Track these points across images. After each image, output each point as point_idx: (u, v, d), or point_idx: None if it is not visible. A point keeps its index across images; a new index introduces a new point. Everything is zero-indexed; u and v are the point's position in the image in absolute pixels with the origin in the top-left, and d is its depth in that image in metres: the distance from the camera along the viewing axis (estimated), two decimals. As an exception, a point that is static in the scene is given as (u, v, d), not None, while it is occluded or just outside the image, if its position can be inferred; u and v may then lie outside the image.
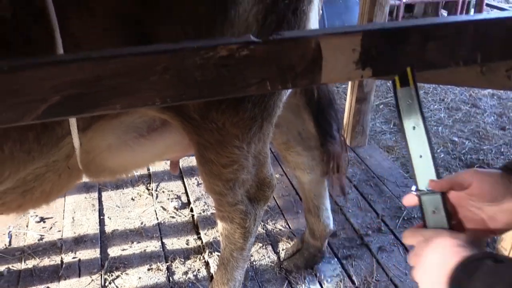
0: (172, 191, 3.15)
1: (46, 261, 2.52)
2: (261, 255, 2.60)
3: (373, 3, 3.16)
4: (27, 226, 2.78)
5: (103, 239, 2.70)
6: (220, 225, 1.96)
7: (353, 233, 2.78)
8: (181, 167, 3.23)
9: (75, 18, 1.28)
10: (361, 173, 3.34)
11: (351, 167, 3.38)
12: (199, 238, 2.72)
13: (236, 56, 1.02)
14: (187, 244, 2.68)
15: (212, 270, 2.45)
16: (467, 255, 0.77)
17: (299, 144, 2.29)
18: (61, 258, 2.54)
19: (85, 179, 1.80)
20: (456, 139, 4.10)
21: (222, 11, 1.36)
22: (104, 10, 1.30)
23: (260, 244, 2.67)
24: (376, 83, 4.38)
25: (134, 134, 1.71)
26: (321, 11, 5.35)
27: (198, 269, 2.50)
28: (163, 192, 3.13)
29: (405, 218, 2.89)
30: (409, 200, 0.98)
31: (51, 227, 2.78)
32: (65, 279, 2.41)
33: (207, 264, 2.53)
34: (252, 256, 2.57)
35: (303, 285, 2.42)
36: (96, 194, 3.07)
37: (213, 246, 2.62)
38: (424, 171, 0.97)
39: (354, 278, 2.46)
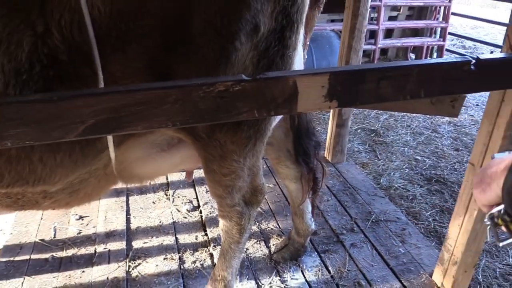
0: (185, 196, 3.16)
1: (82, 251, 2.55)
2: (255, 249, 2.62)
3: (349, 49, 3.21)
4: (68, 222, 2.82)
5: (129, 234, 2.72)
6: (221, 222, 1.97)
7: (330, 232, 2.79)
8: (193, 177, 3.26)
9: (114, 60, 1.32)
10: (339, 184, 3.36)
11: (331, 179, 3.39)
12: (206, 234, 2.74)
13: (231, 90, 1.05)
14: (196, 239, 2.70)
15: (215, 260, 2.46)
16: None
17: (288, 159, 2.30)
18: (95, 248, 2.58)
19: (117, 185, 1.82)
20: (419, 157, 4.12)
21: (226, 56, 1.39)
22: (136, 54, 1.33)
23: (255, 240, 2.69)
24: (353, 112, 4.40)
25: (157, 149, 1.74)
26: (312, 55, 5.37)
27: (204, 259, 2.52)
28: (178, 197, 3.15)
29: (374, 220, 2.91)
30: None
31: (87, 224, 2.81)
32: (97, 265, 2.44)
33: (211, 256, 2.55)
34: (248, 249, 2.59)
35: (289, 274, 2.43)
36: (124, 198, 3.10)
37: (217, 241, 2.64)
38: None
39: (330, 268, 2.48)
